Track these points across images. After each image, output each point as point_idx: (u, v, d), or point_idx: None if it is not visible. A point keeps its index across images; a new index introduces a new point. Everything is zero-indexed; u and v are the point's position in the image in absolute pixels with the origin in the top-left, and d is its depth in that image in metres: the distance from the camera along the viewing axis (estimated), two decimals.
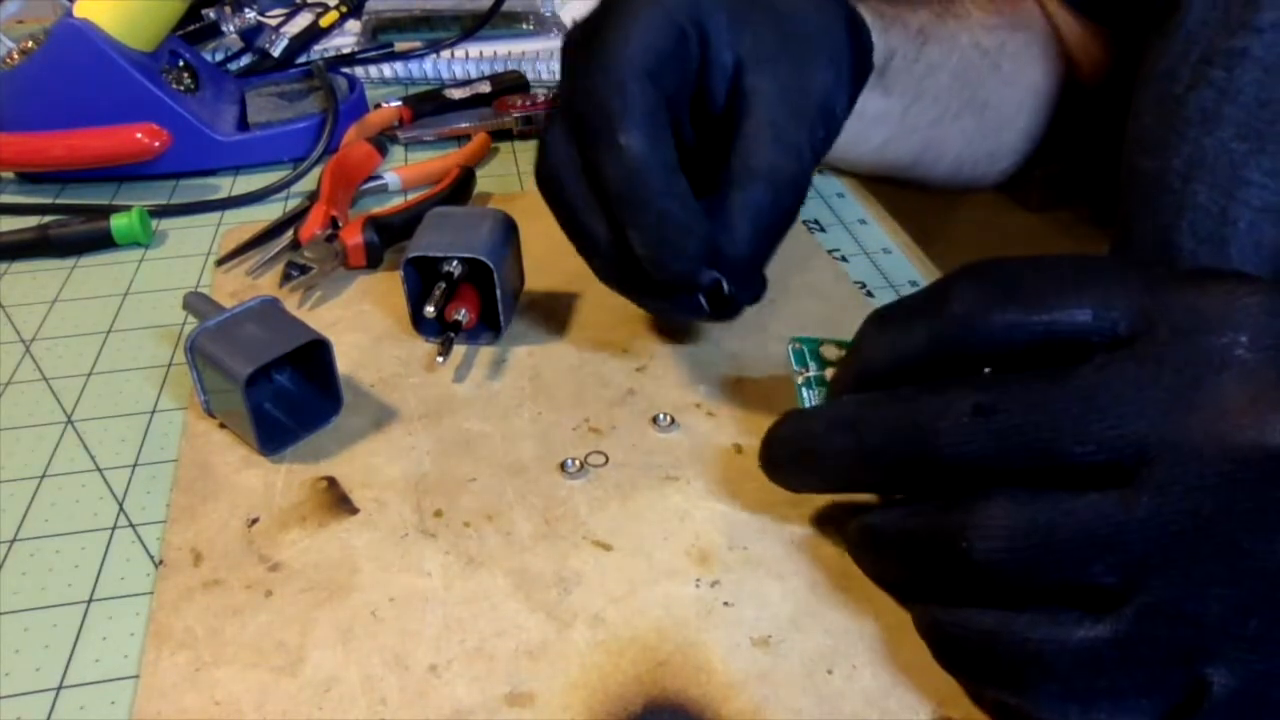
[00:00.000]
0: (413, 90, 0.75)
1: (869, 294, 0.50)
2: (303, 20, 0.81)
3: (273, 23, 0.81)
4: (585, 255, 0.40)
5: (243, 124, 0.67)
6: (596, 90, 0.36)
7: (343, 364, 0.43)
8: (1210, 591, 0.24)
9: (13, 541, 0.37)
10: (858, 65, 0.41)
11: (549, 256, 0.51)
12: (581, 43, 0.38)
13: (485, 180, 0.61)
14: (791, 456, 0.32)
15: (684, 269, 0.36)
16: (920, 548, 0.29)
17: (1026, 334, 0.27)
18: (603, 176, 0.36)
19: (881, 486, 0.31)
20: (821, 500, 0.36)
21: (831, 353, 0.37)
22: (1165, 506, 0.24)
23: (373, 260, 0.52)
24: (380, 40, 0.83)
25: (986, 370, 0.28)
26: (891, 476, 0.29)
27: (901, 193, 0.58)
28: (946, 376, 0.28)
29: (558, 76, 0.75)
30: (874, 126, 0.47)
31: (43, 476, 0.40)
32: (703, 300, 0.38)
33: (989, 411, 0.26)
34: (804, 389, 0.37)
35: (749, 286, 0.38)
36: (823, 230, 0.56)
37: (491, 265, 0.44)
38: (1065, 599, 0.25)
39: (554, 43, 0.83)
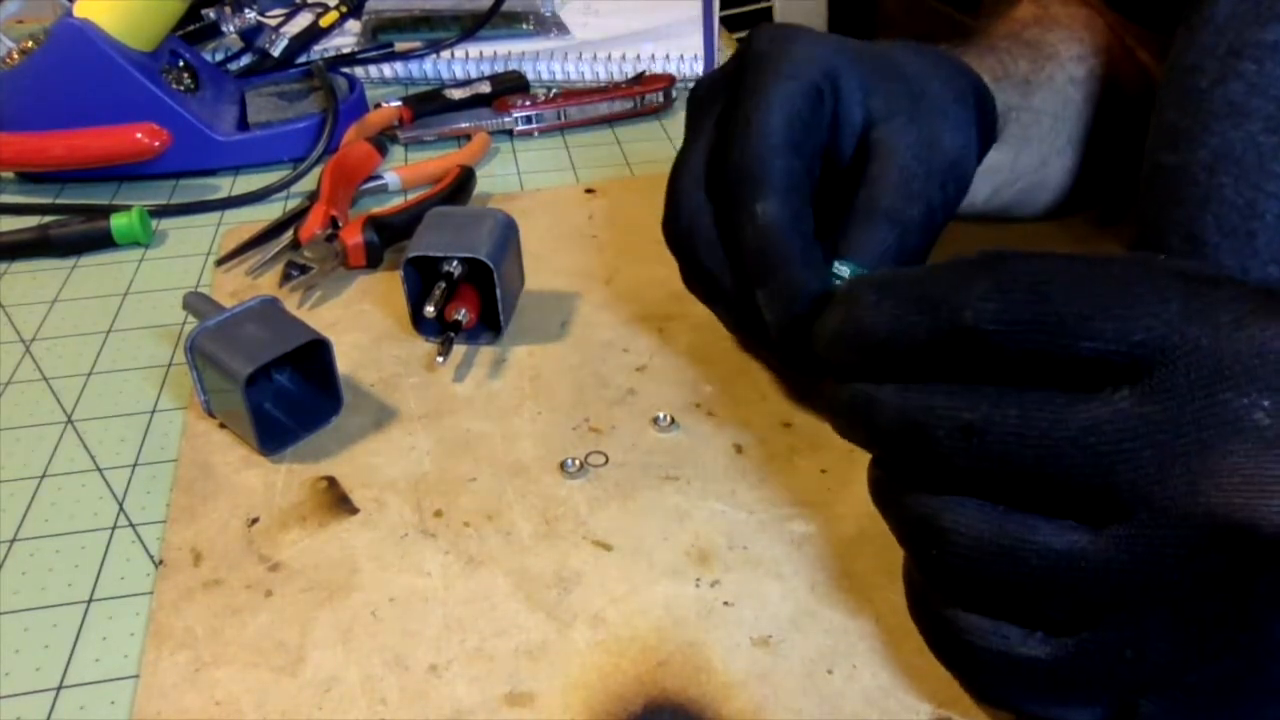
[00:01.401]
0: (413, 90, 0.75)
1: None
2: (303, 20, 0.81)
3: (273, 23, 0.81)
4: (710, 304, 0.42)
5: (243, 124, 0.67)
6: (743, 159, 0.38)
7: (343, 364, 0.43)
8: (1154, 644, 0.24)
9: (13, 541, 0.37)
10: (984, 134, 0.43)
11: (549, 256, 0.51)
12: (713, 99, 0.41)
13: (485, 180, 0.61)
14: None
15: (803, 325, 0.36)
16: (900, 527, 0.29)
17: (1042, 357, 0.26)
18: (740, 238, 0.38)
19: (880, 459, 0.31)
20: (823, 499, 0.36)
21: None
22: (1133, 561, 0.24)
23: (373, 260, 0.52)
24: (380, 40, 0.83)
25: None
26: (885, 457, 0.29)
27: None
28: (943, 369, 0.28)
29: (558, 77, 0.76)
30: (982, 179, 0.48)
31: (43, 476, 0.40)
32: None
33: (978, 433, 0.26)
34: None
35: None
36: None
37: (491, 265, 0.44)
38: (1022, 616, 0.26)
39: (554, 43, 0.83)
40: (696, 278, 0.41)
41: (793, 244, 0.37)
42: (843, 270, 0.37)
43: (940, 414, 0.27)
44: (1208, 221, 0.43)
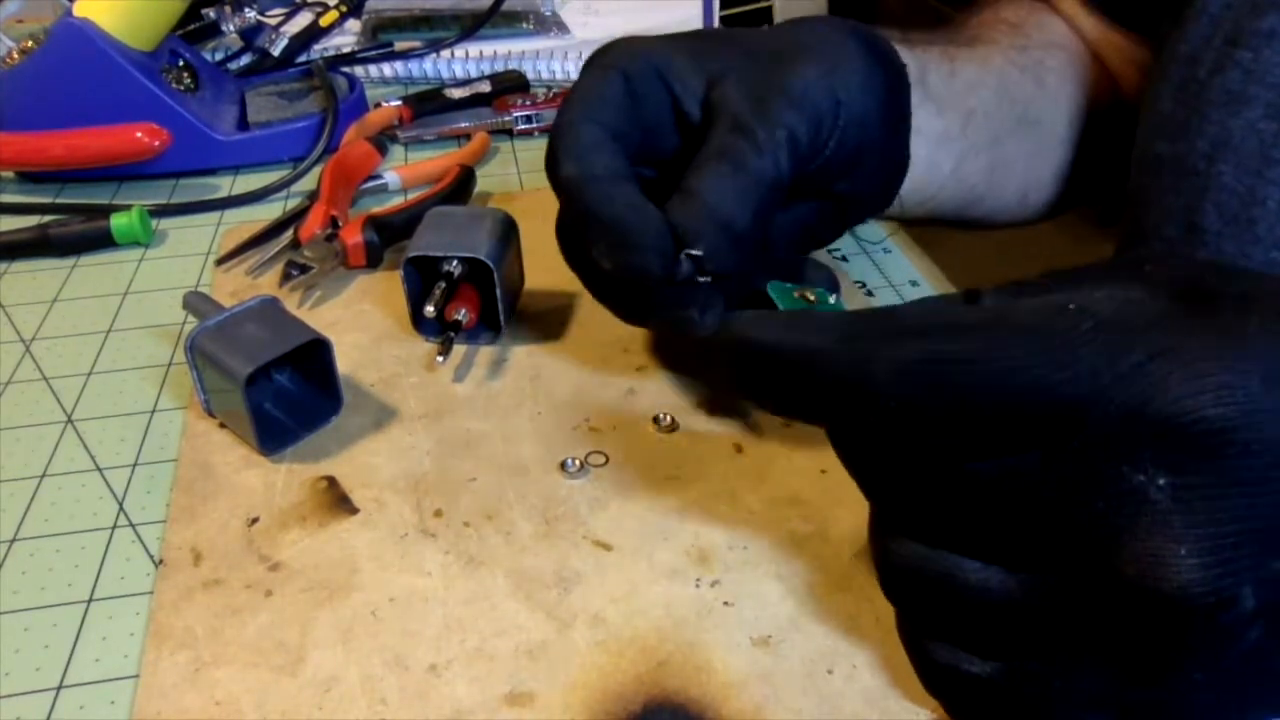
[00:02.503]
0: (413, 90, 0.75)
1: (869, 293, 0.50)
2: (303, 20, 0.81)
3: (273, 22, 0.81)
4: (593, 293, 0.41)
5: (243, 123, 0.67)
6: (550, 140, 0.41)
7: (343, 364, 0.43)
8: (1082, 677, 0.25)
9: (13, 541, 0.37)
10: (880, 64, 0.42)
11: (549, 256, 0.51)
12: None
13: (485, 180, 0.61)
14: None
15: (641, 263, 0.36)
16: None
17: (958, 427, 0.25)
18: (560, 215, 0.40)
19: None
20: (823, 499, 0.36)
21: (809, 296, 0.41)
22: (1054, 608, 0.25)
23: (373, 260, 0.52)
24: (380, 40, 0.83)
25: None
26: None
27: None
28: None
29: (558, 76, 0.76)
30: (940, 149, 0.48)
31: (43, 476, 0.40)
32: (692, 308, 0.37)
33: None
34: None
35: (725, 261, 0.37)
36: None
37: (491, 265, 0.44)
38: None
39: (554, 42, 0.83)
40: (581, 277, 0.41)
41: (594, 189, 0.38)
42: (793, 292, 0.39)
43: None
44: (1208, 210, 0.44)
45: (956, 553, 0.26)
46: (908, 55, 0.46)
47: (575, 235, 0.40)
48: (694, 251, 0.36)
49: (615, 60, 0.41)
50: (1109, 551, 0.23)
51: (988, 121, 0.51)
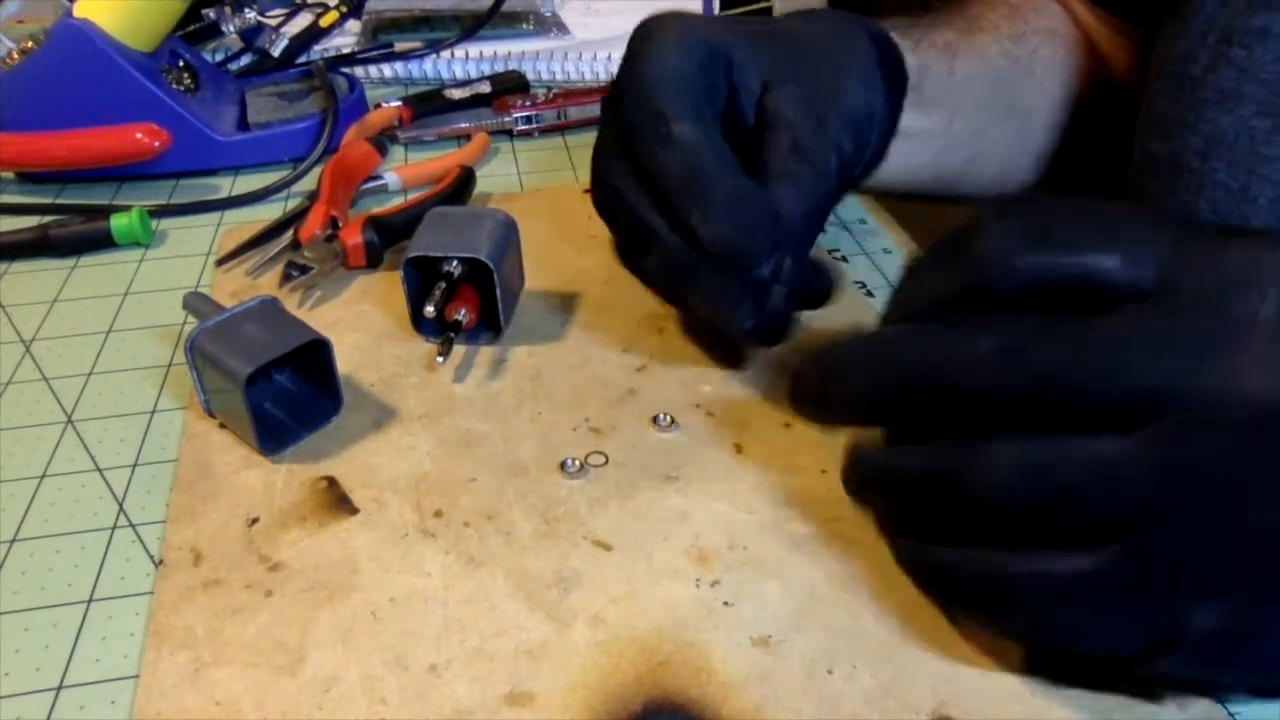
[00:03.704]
0: (413, 90, 0.75)
1: (869, 294, 0.50)
2: (303, 20, 0.81)
3: (273, 23, 0.81)
4: (644, 258, 0.41)
5: (243, 124, 0.67)
6: (643, 98, 0.39)
7: (343, 364, 0.43)
8: (1204, 540, 0.25)
9: (13, 541, 0.37)
10: (890, 79, 0.44)
11: (549, 256, 0.51)
12: (619, 80, 0.42)
13: (485, 180, 0.61)
14: (815, 387, 0.32)
15: (750, 244, 0.37)
16: (925, 482, 0.29)
17: (1053, 278, 0.27)
18: (661, 170, 0.38)
19: (898, 421, 0.31)
20: (823, 499, 0.36)
21: None
22: (1174, 455, 0.25)
23: (373, 260, 0.52)
24: (380, 40, 0.83)
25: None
26: (908, 409, 0.29)
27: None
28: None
29: (558, 77, 0.76)
30: (921, 145, 0.49)
31: (43, 476, 0.40)
32: (746, 304, 0.38)
33: (1010, 350, 0.27)
34: None
35: (793, 273, 0.38)
36: (823, 230, 0.56)
37: (491, 265, 0.44)
38: (1063, 537, 0.26)
39: (554, 43, 0.83)
40: (627, 232, 0.41)
41: (715, 157, 0.37)
42: None
43: (974, 335, 0.27)
44: (1201, 207, 0.44)
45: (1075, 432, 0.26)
46: (912, 57, 0.47)
47: (667, 193, 0.38)
48: (785, 258, 0.37)
49: (686, 37, 0.40)
50: (1224, 377, 0.25)
51: (974, 116, 0.52)
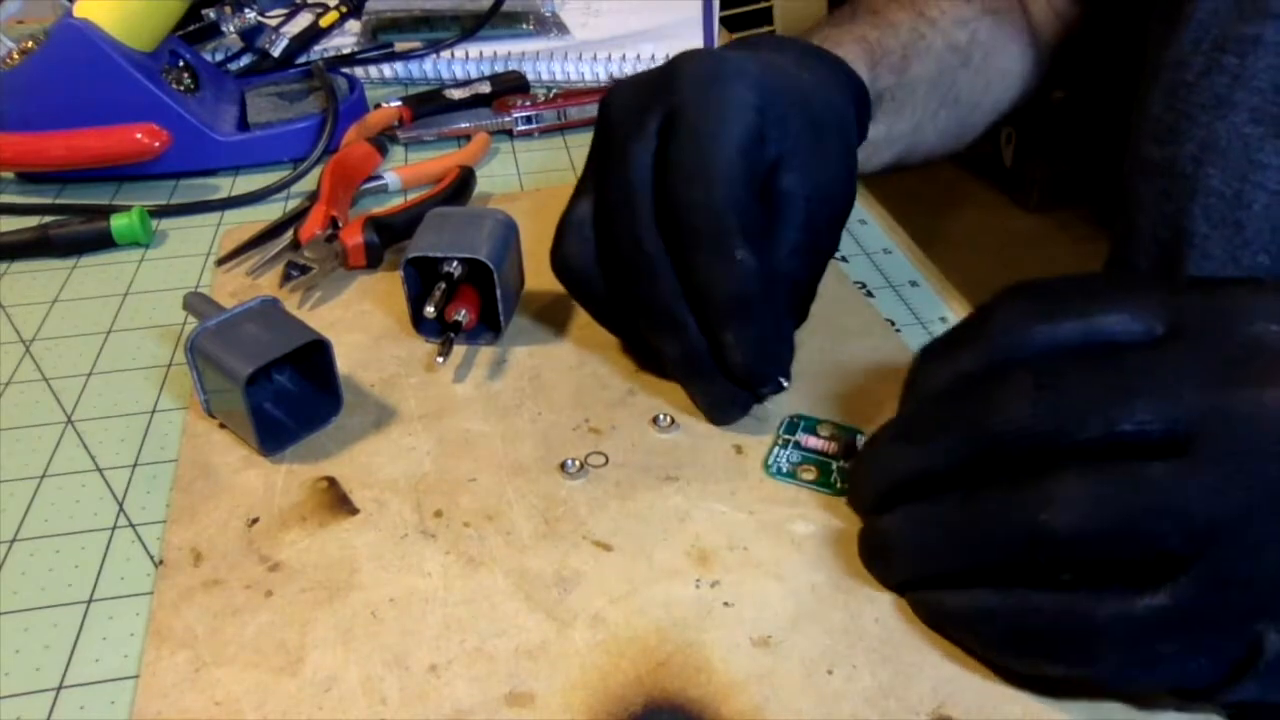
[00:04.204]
0: (413, 90, 0.75)
1: (869, 294, 0.50)
2: (303, 20, 0.81)
3: (273, 23, 0.81)
4: (655, 337, 0.39)
5: (243, 124, 0.67)
6: (711, 198, 0.35)
7: (343, 364, 0.43)
8: (1265, 555, 0.25)
9: (13, 541, 0.37)
10: (862, 130, 0.47)
11: (549, 257, 0.51)
12: (638, 121, 0.38)
13: (485, 180, 0.61)
14: (864, 485, 0.34)
15: (771, 372, 0.38)
16: (985, 527, 0.29)
17: (1068, 342, 0.29)
18: (712, 285, 0.36)
19: (952, 478, 0.31)
20: (823, 499, 0.36)
21: (827, 431, 0.39)
22: (1223, 473, 0.25)
23: (373, 260, 0.52)
24: (380, 40, 0.83)
25: None
26: (958, 462, 0.30)
27: (902, 193, 0.59)
28: None
29: (558, 77, 0.76)
30: (861, 151, 0.49)
31: (43, 476, 0.40)
32: (738, 406, 0.40)
33: (1049, 387, 0.27)
34: (777, 448, 0.39)
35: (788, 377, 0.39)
36: None
37: (491, 265, 0.44)
38: (1130, 573, 0.26)
39: (554, 43, 0.83)
40: (645, 308, 0.38)
41: (766, 293, 0.36)
42: None
43: (1013, 378, 0.28)
44: (1195, 213, 0.44)
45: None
46: (871, 82, 0.49)
47: (710, 305, 0.37)
48: (785, 383, 0.39)
49: (747, 109, 0.37)
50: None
51: (912, 115, 0.54)
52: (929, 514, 0.31)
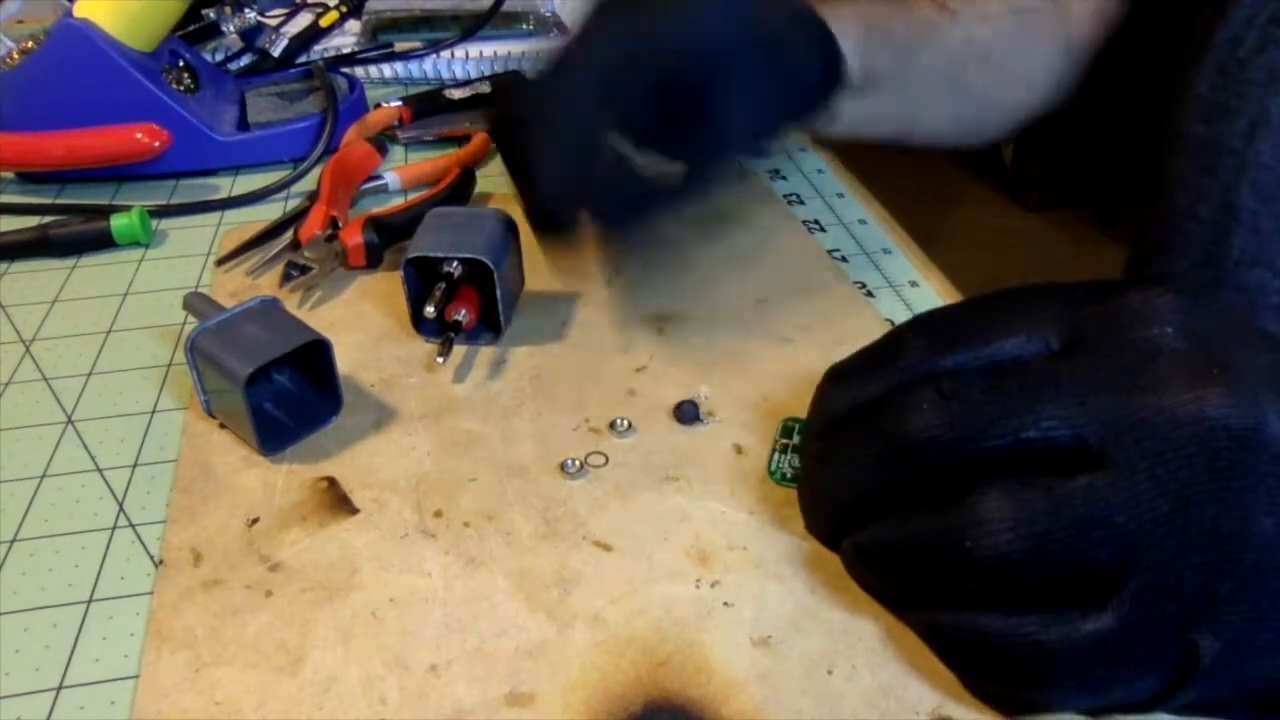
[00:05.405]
0: (413, 90, 0.75)
1: (869, 294, 0.50)
2: (303, 20, 0.81)
3: (273, 23, 0.81)
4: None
5: (243, 124, 0.67)
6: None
7: (343, 364, 0.43)
8: (1186, 561, 0.25)
9: (13, 541, 0.37)
10: (827, 76, 0.47)
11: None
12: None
13: (485, 180, 0.61)
14: (809, 508, 0.35)
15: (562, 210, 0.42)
16: (917, 555, 0.29)
17: (973, 367, 0.29)
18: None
19: (875, 500, 0.31)
20: None
21: None
22: (1136, 482, 0.25)
23: (373, 260, 0.52)
24: (380, 40, 0.83)
25: None
26: (882, 483, 0.30)
27: (902, 193, 0.59)
28: None
29: None
30: (849, 111, 0.50)
31: (43, 476, 0.40)
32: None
33: (953, 397, 0.28)
34: (777, 454, 0.39)
35: None
36: (823, 230, 0.56)
37: (491, 265, 0.44)
38: (1064, 589, 0.26)
39: (554, 43, 0.83)
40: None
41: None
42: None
43: (915, 390, 0.29)
44: (1244, 189, 0.44)
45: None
46: (861, 54, 0.50)
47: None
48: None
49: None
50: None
51: (913, 100, 0.55)
52: (871, 542, 0.31)
